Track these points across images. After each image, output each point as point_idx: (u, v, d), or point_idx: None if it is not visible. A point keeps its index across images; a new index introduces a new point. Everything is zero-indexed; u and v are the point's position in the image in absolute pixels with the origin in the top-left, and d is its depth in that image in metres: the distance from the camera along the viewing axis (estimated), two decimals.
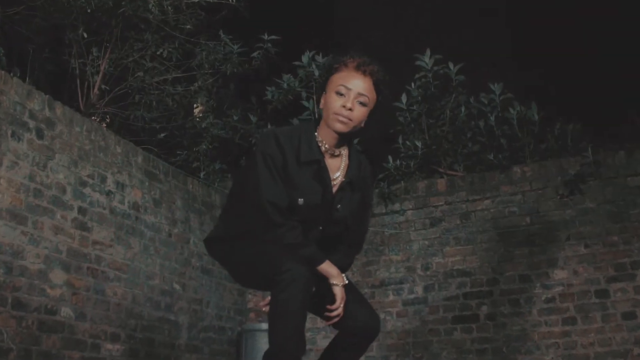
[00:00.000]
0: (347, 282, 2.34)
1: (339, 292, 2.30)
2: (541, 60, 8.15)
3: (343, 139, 2.33)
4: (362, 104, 2.25)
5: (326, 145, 2.32)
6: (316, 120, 2.39)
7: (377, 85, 2.29)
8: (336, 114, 2.23)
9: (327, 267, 2.30)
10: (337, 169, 2.36)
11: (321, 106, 2.31)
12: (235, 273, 2.50)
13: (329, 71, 2.33)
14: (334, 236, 2.42)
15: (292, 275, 2.08)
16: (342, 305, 2.30)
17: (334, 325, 2.38)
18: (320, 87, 2.36)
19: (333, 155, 2.35)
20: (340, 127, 2.25)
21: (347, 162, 2.38)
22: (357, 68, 2.27)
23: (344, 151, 2.38)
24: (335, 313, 2.31)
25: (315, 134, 2.33)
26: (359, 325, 2.34)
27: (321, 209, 2.32)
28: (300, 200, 2.26)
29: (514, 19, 8.56)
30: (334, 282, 2.30)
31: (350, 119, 2.24)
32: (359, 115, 2.25)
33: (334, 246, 2.43)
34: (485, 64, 7.32)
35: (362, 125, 2.30)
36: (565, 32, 7.95)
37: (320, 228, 2.35)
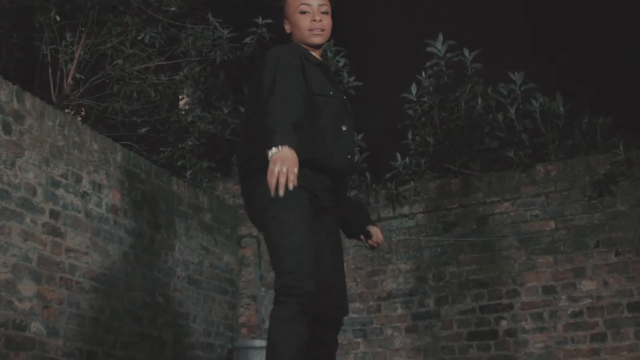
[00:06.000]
0: (275, 151, 2.30)
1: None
2: (567, 47, 8.15)
3: (320, 50, 2.86)
4: (325, 12, 2.81)
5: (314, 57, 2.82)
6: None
7: None
8: (311, 29, 2.77)
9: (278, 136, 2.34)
10: None
11: (288, 31, 2.84)
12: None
13: None
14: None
15: (287, 289, 2.37)
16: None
17: None
18: (280, 15, 2.89)
19: None
20: (318, 39, 2.79)
21: None
22: None
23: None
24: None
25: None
26: (332, 306, 2.57)
27: (338, 104, 2.75)
28: (331, 92, 2.71)
29: (536, 3, 8.56)
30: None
31: (323, 29, 2.79)
32: (328, 23, 2.82)
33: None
34: (504, 51, 7.32)
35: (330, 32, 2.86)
36: (595, 15, 7.95)
37: (344, 128, 2.71)
